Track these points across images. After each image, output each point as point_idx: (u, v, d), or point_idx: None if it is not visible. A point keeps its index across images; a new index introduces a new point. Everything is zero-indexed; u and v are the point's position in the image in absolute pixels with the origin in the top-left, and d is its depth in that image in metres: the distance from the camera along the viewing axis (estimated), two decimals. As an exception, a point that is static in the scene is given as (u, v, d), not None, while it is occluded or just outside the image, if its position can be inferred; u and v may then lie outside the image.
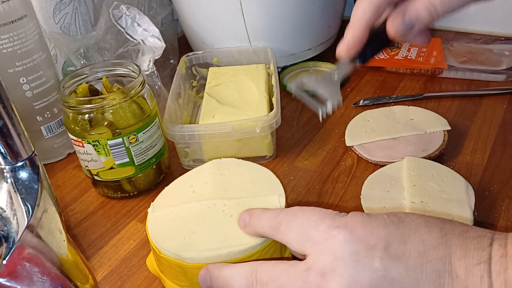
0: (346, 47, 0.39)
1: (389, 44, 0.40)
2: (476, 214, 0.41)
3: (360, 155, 0.52)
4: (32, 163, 0.29)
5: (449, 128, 0.51)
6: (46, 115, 0.54)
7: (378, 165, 0.50)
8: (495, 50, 0.66)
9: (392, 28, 0.36)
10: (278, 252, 0.37)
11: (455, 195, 0.42)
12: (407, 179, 0.44)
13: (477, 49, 0.67)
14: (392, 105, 0.60)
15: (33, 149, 0.29)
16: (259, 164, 0.43)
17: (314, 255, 0.29)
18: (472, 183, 0.47)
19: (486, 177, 0.48)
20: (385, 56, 0.68)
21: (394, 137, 0.52)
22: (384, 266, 0.27)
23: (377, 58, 0.68)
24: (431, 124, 0.52)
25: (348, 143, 0.53)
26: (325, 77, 0.41)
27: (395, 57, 0.68)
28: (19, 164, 0.29)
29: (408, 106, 0.57)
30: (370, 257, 0.27)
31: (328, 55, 0.71)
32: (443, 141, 0.50)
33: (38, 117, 0.54)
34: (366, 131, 0.53)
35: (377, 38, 0.39)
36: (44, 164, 0.56)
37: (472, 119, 0.56)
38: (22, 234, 0.28)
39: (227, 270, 0.33)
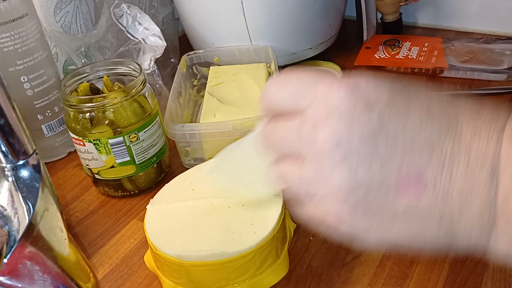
0: None
1: None
2: None
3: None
4: (33, 162, 0.29)
5: None
6: (47, 114, 0.54)
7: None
8: (496, 49, 0.66)
9: None
10: (274, 252, 0.37)
11: None
12: None
13: (478, 49, 0.67)
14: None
15: (34, 148, 0.29)
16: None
17: (310, 109, 0.26)
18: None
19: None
20: (386, 56, 0.68)
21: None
22: (381, 120, 0.24)
23: (377, 57, 0.68)
24: None
25: None
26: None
27: (396, 57, 0.67)
28: (20, 162, 0.29)
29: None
30: (368, 111, 0.24)
31: (329, 54, 0.71)
32: None
33: (39, 116, 0.54)
34: None
35: None
36: (45, 163, 0.56)
37: (473, 119, 0.56)
38: (23, 232, 0.28)
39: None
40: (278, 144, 0.28)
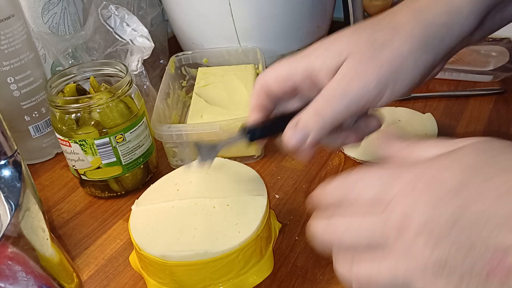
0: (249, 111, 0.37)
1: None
2: None
3: (347, 155, 0.52)
4: (14, 162, 0.29)
5: (436, 130, 0.52)
6: (34, 115, 0.54)
7: (364, 165, 0.51)
8: (482, 51, 0.67)
9: (285, 141, 0.33)
10: (258, 251, 0.38)
11: None
12: None
13: (465, 50, 0.68)
14: (380, 105, 0.60)
15: (15, 148, 0.29)
16: (247, 164, 0.43)
17: (394, 200, 0.25)
18: (457, 182, 0.47)
19: (471, 176, 0.48)
20: (374, 57, 0.69)
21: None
22: (463, 206, 0.23)
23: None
24: (417, 126, 0.53)
25: None
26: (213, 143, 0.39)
27: (384, 58, 0.68)
28: (2, 162, 0.29)
29: (396, 107, 0.57)
30: (443, 198, 0.24)
31: (317, 55, 0.71)
32: None
33: (26, 117, 0.53)
34: None
35: (278, 123, 0.35)
36: (32, 164, 0.57)
37: (458, 119, 0.57)
38: (4, 231, 0.28)
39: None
40: (349, 237, 0.26)
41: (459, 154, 0.25)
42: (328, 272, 0.40)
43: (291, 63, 0.34)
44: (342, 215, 0.27)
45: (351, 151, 0.51)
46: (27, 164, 0.56)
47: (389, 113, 0.56)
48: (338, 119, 0.32)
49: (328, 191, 0.28)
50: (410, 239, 0.24)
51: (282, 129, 0.34)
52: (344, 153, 0.52)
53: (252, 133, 0.36)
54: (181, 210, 0.38)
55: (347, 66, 0.31)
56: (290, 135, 0.33)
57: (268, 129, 0.36)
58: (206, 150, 0.38)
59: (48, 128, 0.56)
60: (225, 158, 0.53)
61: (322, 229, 0.27)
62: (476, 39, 0.35)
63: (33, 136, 0.55)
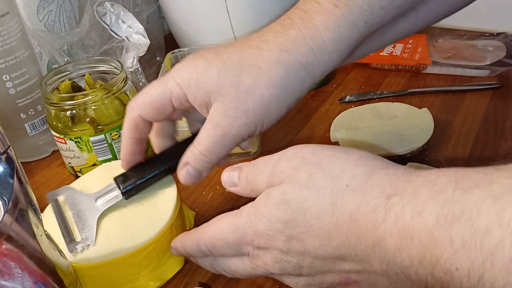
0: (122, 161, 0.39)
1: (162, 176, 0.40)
2: None
3: (343, 150, 0.52)
4: (7, 158, 0.29)
5: (433, 125, 0.52)
6: (30, 113, 0.54)
7: (361, 160, 0.51)
8: (479, 45, 0.67)
9: (182, 181, 0.37)
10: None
11: None
12: None
13: (462, 45, 0.68)
14: (377, 101, 0.60)
15: (8, 144, 0.29)
16: (243, 160, 0.43)
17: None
18: (453, 177, 0.47)
19: (467, 171, 0.48)
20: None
21: (378, 135, 0.52)
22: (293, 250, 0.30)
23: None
24: (414, 121, 0.53)
25: (333, 138, 0.53)
26: (89, 199, 0.39)
27: (380, 54, 0.68)
28: (-6, 158, 0.29)
29: (393, 102, 0.57)
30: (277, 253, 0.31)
31: (314, 51, 0.71)
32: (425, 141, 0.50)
33: (22, 115, 0.53)
34: (351, 127, 0.53)
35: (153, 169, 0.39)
36: (28, 162, 0.57)
37: (455, 114, 0.57)
38: (-3, 228, 0.28)
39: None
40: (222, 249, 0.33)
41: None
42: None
43: (160, 96, 0.36)
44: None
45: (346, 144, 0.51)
46: (24, 162, 0.56)
47: (385, 109, 0.56)
48: (222, 156, 0.36)
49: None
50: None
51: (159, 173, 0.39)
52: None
53: (128, 190, 0.38)
54: None
55: (218, 113, 0.34)
56: (186, 178, 0.37)
57: (143, 181, 0.39)
58: (85, 230, 0.37)
59: (44, 126, 0.55)
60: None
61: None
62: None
63: (29, 134, 0.55)
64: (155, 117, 0.37)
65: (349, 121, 0.55)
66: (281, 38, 0.34)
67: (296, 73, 0.34)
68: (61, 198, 0.40)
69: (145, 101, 0.36)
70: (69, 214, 0.38)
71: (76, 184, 0.42)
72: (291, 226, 0.29)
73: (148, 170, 0.39)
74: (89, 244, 0.36)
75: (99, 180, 0.40)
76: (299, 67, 0.34)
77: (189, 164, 0.36)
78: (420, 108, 0.55)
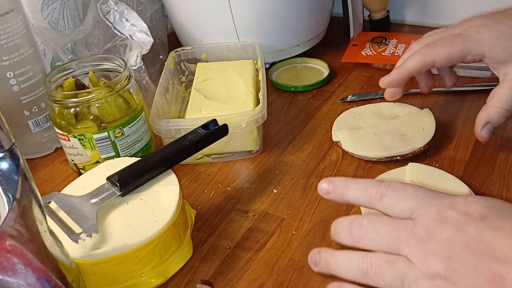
0: (389, 80, 0.50)
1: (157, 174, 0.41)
2: None
3: (345, 150, 0.52)
4: (12, 155, 0.29)
5: (434, 125, 0.52)
6: (33, 110, 0.54)
7: (362, 160, 0.51)
8: (481, 47, 0.67)
9: (483, 137, 0.46)
10: (177, 237, 0.39)
11: None
12: None
13: (464, 46, 0.68)
14: (379, 101, 0.60)
15: (13, 141, 0.30)
16: (245, 159, 0.43)
17: (424, 217, 0.31)
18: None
19: (468, 171, 0.48)
20: (373, 53, 0.69)
21: (379, 135, 0.52)
22: (478, 232, 0.29)
23: (364, 54, 0.69)
24: (416, 121, 0.53)
25: (334, 138, 0.54)
26: (82, 200, 0.39)
27: (382, 54, 0.68)
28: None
29: (394, 102, 0.57)
30: (467, 223, 0.29)
31: (316, 51, 0.72)
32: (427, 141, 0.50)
33: (25, 112, 0.54)
34: (352, 127, 0.54)
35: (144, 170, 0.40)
36: (32, 159, 0.57)
37: (456, 115, 0.57)
38: (2, 224, 0.28)
39: (339, 256, 0.33)
40: (372, 237, 0.32)
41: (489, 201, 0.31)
42: (325, 266, 0.40)
43: (460, 51, 0.45)
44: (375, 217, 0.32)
45: (349, 147, 0.52)
46: (27, 159, 0.56)
47: (387, 109, 0.56)
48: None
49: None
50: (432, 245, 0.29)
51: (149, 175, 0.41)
52: (342, 148, 0.53)
53: (123, 186, 0.39)
54: None
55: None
56: (488, 135, 0.46)
57: (138, 176, 0.40)
58: (85, 222, 0.37)
59: (48, 123, 0.56)
60: (223, 153, 0.53)
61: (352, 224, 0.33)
62: None
63: (33, 131, 0.55)
64: (442, 66, 0.46)
65: (351, 121, 0.55)
66: None
67: None
68: (51, 203, 0.40)
69: (444, 52, 0.45)
70: (63, 214, 0.38)
71: (79, 181, 0.42)
72: None
73: (144, 166, 0.40)
74: (93, 233, 0.36)
75: (102, 177, 0.40)
76: None
77: (490, 122, 0.44)
78: (421, 108, 0.55)
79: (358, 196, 0.34)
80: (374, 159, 0.50)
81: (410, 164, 0.47)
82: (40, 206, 0.32)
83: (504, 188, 0.46)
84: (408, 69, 0.47)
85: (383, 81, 0.51)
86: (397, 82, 0.50)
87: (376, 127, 0.53)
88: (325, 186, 0.35)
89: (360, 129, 0.53)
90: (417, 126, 0.52)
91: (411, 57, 0.47)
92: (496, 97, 0.44)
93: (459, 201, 0.30)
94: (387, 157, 0.49)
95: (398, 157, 0.49)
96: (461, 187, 0.44)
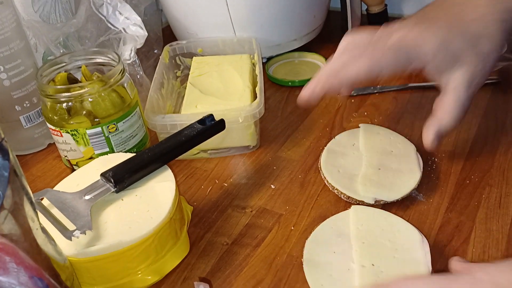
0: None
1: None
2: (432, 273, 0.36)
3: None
4: (2, 150, 0.28)
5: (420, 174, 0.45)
6: (25, 105, 0.53)
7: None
8: (479, 40, 0.66)
9: (431, 147, 0.43)
10: (173, 234, 0.38)
11: (409, 254, 0.37)
12: (355, 236, 0.39)
13: (462, 40, 0.67)
14: (377, 95, 0.60)
15: (2, 136, 0.29)
16: (242, 154, 0.42)
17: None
18: (453, 172, 0.47)
19: (468, 166, 0.48)
20: (370, 47, 0.68)
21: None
22: None
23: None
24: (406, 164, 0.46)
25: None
26: (75, 197, 0.38)
27: (380, 48, 0.67)
28: (-12, 150, 0.28)
29: (394, 96, 0.57)
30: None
31: (314, 45, 0.71)
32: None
33: (17, 107, 0.53)
34: (339, 171, 0.46)
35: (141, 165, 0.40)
36: (24, 155, 0.56)
37: (455, 109, 0.56)
38: (-8, 221, 0.27)
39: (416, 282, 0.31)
40: None
41: None
42: (324, 262, 0.39)
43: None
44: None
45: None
46: (19, 155, 0.55)
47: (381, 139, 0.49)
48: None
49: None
50: None
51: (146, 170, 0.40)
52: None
53: (118, 182, 0.38)
54: None
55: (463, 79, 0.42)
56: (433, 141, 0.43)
57: (133, 172, 0.39)
58: (79, 219, 0.36)
59: (40, 118, 0.55)
60: (220, 148, 0.52)
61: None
62: None
63: (25, 126, 0.54)
64: (381, 76, 0.44)
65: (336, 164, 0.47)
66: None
67: None
68: (44, 200, 0.38)
69: (390, 64, 0.42)
70: (56, 211, 0.37)
71: (72, 177, 0.41)
72: None
73: (139, 161, 0.39)
74: (87, 230, 0.35)
75: (96, 173, 0.39)
76: None
77: (440, 131, 0.43)
78: (420, 103, 0.54)
79: None
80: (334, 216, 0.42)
81: (353, 207, 0.41)
82: (31, 203, 0.31)
83: (504, 182, 0.45)
84: (353, 76, 0.42)
85: (314, 90, 0.44)
86: (336, 90, 0.45)
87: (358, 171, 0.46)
88: None
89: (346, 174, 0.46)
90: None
91: (355, 64, 0.42)
92: (444, 108, 0.42)
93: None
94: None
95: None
96: (411, 232, 0.39)
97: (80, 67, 0.49)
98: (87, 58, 0.50)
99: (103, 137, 0.46)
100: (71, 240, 0.34)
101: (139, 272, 0.37)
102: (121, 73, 0.46)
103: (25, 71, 0.52)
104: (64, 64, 0.49)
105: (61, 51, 0.56)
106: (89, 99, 0.45)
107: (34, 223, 0.31)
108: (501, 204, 0.43)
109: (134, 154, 0.40)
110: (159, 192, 0.39)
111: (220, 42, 0.64)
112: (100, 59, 0.49)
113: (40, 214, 0.37)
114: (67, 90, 0.44)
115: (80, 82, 0.48)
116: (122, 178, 0.38)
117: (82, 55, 0.50)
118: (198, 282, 0.37)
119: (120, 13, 0.56)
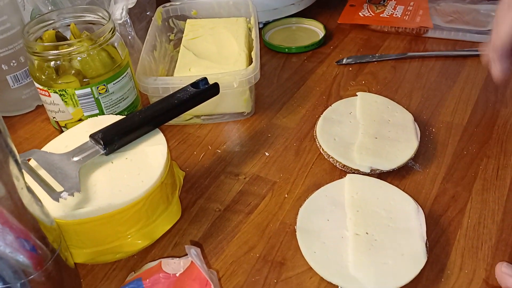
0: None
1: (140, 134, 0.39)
2: (428, 245, 0.36)
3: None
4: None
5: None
6: (11, 64, 0.51)
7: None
8: (481, 10, 0.65)
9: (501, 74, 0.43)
10: (165, 198, 0.37)
11: (404, 223, 0.36)
12: (349, 204, 0.38)
13: (464, 9, 0.65)
14: (376, 63, 0.58)
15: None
16: (237, 121, 0.41)
17: None
18: (451, 143, 0.46)
19: (465, 137, 0.47)
20: (370, 14, 0.66)
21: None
22: None
23: (362, 15, 0.66)
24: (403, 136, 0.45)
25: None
26: (63, 158, 0.36)
27: (380, 15, 0.65)
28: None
29: (392, 65, 0.55)
30: None
31: (312, 11, 0.69)
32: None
33: (3, 66, 0.50)
34: (335, 139, 0.45)
35: (129, 129, 0.38)
36: (12, 116, 0.54)
37: (455, 79, 0.55)
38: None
39: None
40: None
41: None
42: (317, 229, 0.39)
43: None
44: None
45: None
46: (6, 116, 0.54)
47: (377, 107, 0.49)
48: None
49: None
50: None
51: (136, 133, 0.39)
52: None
53: (108, 143, 0.37)
54: None
55: None
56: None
57: (123, 137, 0.38)
58: (67, 181, 0.35)
59: (28, 79, 0.53)
60: (214, 114, 0.51)
61: None
62: None
63: (12, 86, 0.52)
64: None
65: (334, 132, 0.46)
66: None
67: None
68: (31, 161, 0.37)
69: None
70: (43, 172, 0.36)
71: (60, 139, 0.40)
72: None
73: (130, 124, 0.38)
74: (75, 192, 0.34)
75: (85, 135, 0.38)
76: None
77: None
78: (419, 72, 0.53)
79: None
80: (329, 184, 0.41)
81: (348, 176, 0.40)
82: (16, 161, 0.29)
83: (502, 153, 0.45)
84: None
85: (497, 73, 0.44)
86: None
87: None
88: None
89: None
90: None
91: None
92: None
93: None
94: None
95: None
96: (406, 201, 0.38)
97: (69, 25, 0.47)
98: (76, 15, 0.47)
99: (93, 98, 0.44)
100: (58, 201, 0.33)
101: (129, 236, 0.36)
102: (111, 32, 0.44)
103: (12, 29, 0.50)
104: (52, 21, 0.47)
105: (49, 9, 0.53)
106: (78, 58, 0.43)
107: (19, 182, 0.30)
108: (498, 175, 0.43)
109: (124, 116, 0.39)
110: (151, 155, 0.38)
111: (215, 4, 0.62)
112: (89, 17, 0.47)
113: (26, 175, 0.36)
114: (55, 48, 0.42)
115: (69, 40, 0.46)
116: (112, 140, 0.37)
117: (71, 13, 0.47)
118: (189, 246, 0.36)
119: (111, -30, 0.53)
